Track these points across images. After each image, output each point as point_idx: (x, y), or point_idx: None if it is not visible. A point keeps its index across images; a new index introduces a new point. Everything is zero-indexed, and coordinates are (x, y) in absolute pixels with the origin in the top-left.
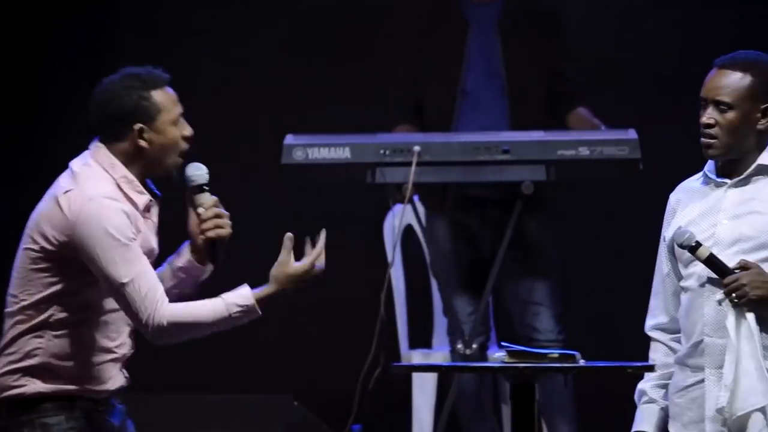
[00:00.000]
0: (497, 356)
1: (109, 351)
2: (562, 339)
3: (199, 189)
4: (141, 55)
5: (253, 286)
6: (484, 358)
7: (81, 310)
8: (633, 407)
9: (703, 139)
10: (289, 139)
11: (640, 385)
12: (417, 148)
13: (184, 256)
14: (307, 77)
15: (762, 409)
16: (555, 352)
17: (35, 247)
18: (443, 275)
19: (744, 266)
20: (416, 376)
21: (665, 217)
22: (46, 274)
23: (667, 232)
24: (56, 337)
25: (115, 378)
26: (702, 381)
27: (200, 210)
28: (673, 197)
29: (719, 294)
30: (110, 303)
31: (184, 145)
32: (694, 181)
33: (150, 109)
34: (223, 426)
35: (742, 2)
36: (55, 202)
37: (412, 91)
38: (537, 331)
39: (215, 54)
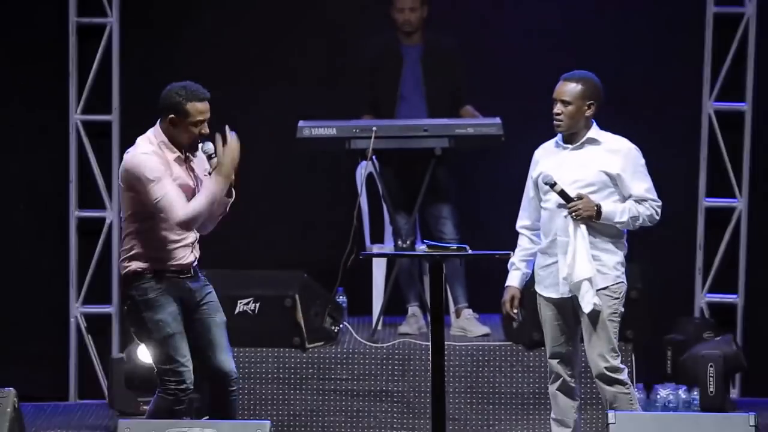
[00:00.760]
0: (421, 248)
1: (177, 240)
2: (458, 238)
3: (209, 157)
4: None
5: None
6: (414, 250)
7: (152, 218)
8: (497, 279)
9: (554, 122)
10: (301, 123)
11: (511, 260)
12: (375, 128)
13: None
14: (309, 86)
15: (588, 279)
16: (454, 246)
17: (122, 189)
18: (389, 201)
19: (580, 197)
20: (375, 259)
21: (531, 164)
22: (131, 201)
23: (533, 172)
24: (141, 235)
25: (186, 257)
26: (556, 262)
27: (212, 168)
28: (537, 153)
29: (565, 211)
30: None
31: (195, 139)
32: (549, 145)
33: (181, 111)
34: (262, 289)
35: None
36: (123, 162)
37: (371, 95)
38: (444, 234)
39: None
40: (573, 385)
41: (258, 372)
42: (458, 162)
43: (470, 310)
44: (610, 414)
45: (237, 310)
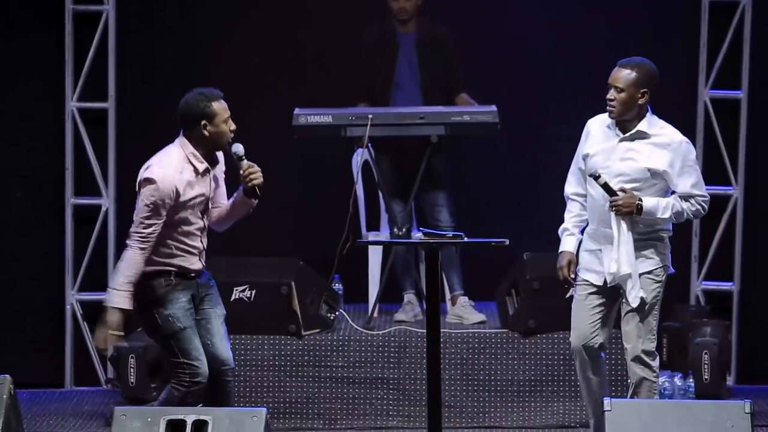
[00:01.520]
0: (417, 236)
1: (189, 251)
2: (454, 226)
3: (239, 158)
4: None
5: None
6: (409, 237)
7: (165, 228)
8: (493, 266)
9: (608, 107)
10: (297, 110)
11: (563, 225)
12: (370, 116)
13: (239, 195)
14: (309, 75)
15: (629, 274)
16: (449, 233)
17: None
18: (385, 189)
19: (623, 190)
20: (371, 247)
21: (583, 133)
22: None
23: (584, 144)
24: (160, 242)
25: (194, 263)
26: (600, 249)
27: (242, 170)
28: (590, 124)
29: (608, 203)
30: (182, 223)
31: (230, 135)
32: (602, 121)
33: (210, 113)
34: (258, 276)
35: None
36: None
37: (367, 83)
38: (439, 221)
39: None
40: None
41: (254, 359)
42: (454, 150)
43: (466, 298)
44: (606, 401)
45: (233, 298)
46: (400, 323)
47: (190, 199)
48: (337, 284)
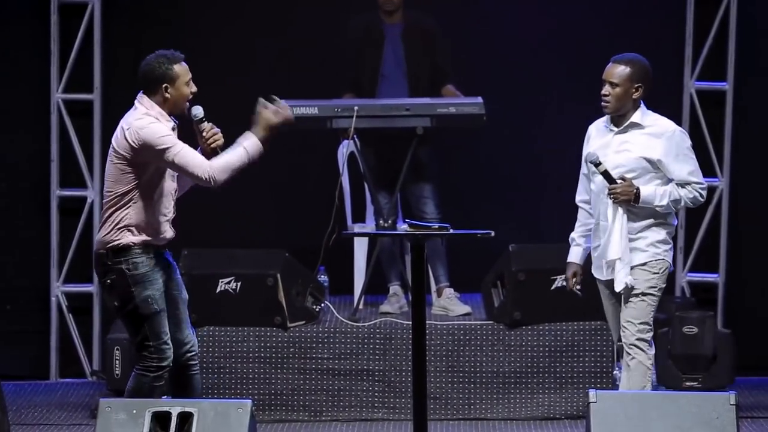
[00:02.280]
0: (403, 227)
1: (165, 215)
2: (440, 218)
3: (200, 121)
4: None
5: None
6: (395, 229)
7: (147, 191)
8: (478, 258)
9: (602, 103)
10: (283, 102)
11: (571, 235)
12: (356, 108)
13: None
14: (295, 66)
15: (618, 259)
16: (435, 225)
17: (118, 161)
18: (371, 181)
19: (622, 178)
20: (357, 239)
21: (585, 139)
22: (129, 175)
23: (586, 149)
24: (135, 208)
25: (168, 231)
26: (599, 245)
27: (203, 132)
28: (590, 129)
29: (606, 195)
30: (163, 185)
31: (190, 97)
32: (601, 123)
33: (172, 75)
34: (244, 268)
35: None
36: (122, 136)
37: (353, 73)
38: (425, 213)
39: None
40: None
41: (239, 351)
42: (440, 141)
43: (451, 290)
44: (591, 393)
45: (218, 289)
46: (386, 315)
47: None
48: (322, 276)
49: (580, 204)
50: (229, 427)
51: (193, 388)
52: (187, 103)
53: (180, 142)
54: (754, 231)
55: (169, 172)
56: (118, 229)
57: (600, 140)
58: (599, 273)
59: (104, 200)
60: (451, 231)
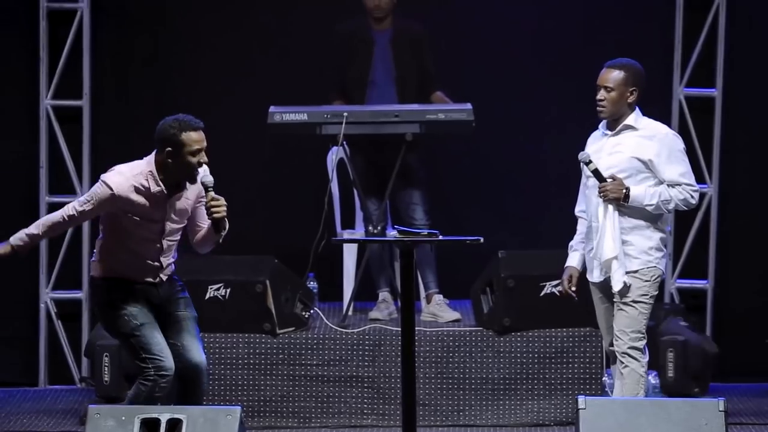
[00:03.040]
0: (392, 234)
1: (143, 261)
2: (429, 224)
3: (206, 189)
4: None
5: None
6: (384, 235)
7: (118, 234)
8: (468, 264)
9: (597, 107)
10: (272, 108)
11: (570, 243)
12: (346, 114)
13: (209, 225)
14: (284, 72)
15: (615, 257)
16: (424, 231)
17: None
18: (360, 187)
19: (612, 177)
20: (346, 245)
21: (585, 149)
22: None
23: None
24: (108, 248)
25: (147, 274)
26: (593, 248)
27: (206, 202)
28: (589, 139)
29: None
30: (137, 232)
31: (197, 168)
32: (597, 131)
33: (176, 142)
34: (233, 274)
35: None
36: None
37: (341, 76)
38: (414, 219)
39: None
40: None
41: (228, 357)
42: (429, 148)
43: (441, 296)
44: (581, 399)
45: (207, 296)
46: (375, 321)
47: (142, 219)
48: (312, 282)
49: (578, 214)
50: None
51: (197, 402)
52: (199, 170)
53: (87, 209)
54: (742, 237)
55: (144, 228)
56: (96, 260)
57: (595, 145)
58: (591, 275)
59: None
60: (441, 237)
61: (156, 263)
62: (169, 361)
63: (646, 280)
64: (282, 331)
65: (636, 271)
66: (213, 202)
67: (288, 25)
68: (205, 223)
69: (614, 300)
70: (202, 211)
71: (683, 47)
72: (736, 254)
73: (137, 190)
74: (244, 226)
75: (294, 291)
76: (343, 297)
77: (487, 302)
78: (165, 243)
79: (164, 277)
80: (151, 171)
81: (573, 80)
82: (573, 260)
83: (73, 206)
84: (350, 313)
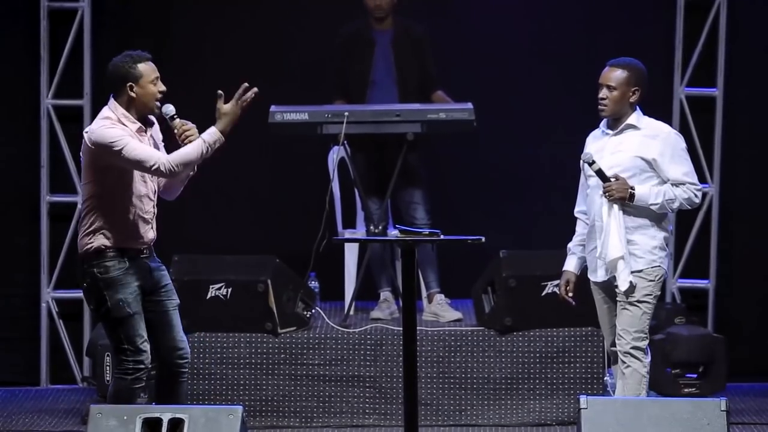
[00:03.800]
0: (393, 233)
1: (141, 216)
2: (430, 223)
3: (171, 117)
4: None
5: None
6: (386, 235)
7: (117, 193)
8: (469, 264)
9: (599, 106)
10: (273, 107)
11: (569, 245)
12: (347, 114)
13: None
14: (285, 72)
15: (621, 257)
16: (425, 231)
17: (84, 166)
18: (362, 186)
19: (615, 177)
20: (347, 245)
21: (584, 148)
22: (96, 178)
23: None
24: (106, 211)
25: (147, 233)
26: (596, 247)
27: (175, 129)
28: (588, 137)
29: (602, 195)
30: (135, 186)
31: (159, 96)
32: (598, 130)
33: (135, 74)
34: (234, 274)
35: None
36: (84, 140)
37: (343, 80)
38: (416, 219)
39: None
40: None
41: (230, 357)
42: (431, 147)
43: (442, 296)
44: (582, 399)
45: (209, 295)
46: (377, 321)
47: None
48: (313, 282)
49: (578, 215)
50: None
51: (178, 395)
52: (158, 102)
53: (132, 140)
54: (744, 237)
55: (140, 174)
56: (91, 232)
57: (596, 144)
58: (594, 275)
59: (80, 205)
60: (442, 237)
61: (153, 211)
62: (147, 355)
63: (651, 280)
64: (283, 330)
65: (641, 271)
66: (183, 128)
67: (289, 25)
68: None
69: (617, 299)
70: (163, 152)
71: (684, 47)
72: (738, 254)
73: (123, 129)
74: (246, 225)
75: (295, 290)
76: (344, 296)
77: (489, 302)
78: (153, 185)
79: (153, 237)
80: (123, 113)
81: (576, 81)
82: (570, 264)
83: (137, 153)
84: (352, 312)
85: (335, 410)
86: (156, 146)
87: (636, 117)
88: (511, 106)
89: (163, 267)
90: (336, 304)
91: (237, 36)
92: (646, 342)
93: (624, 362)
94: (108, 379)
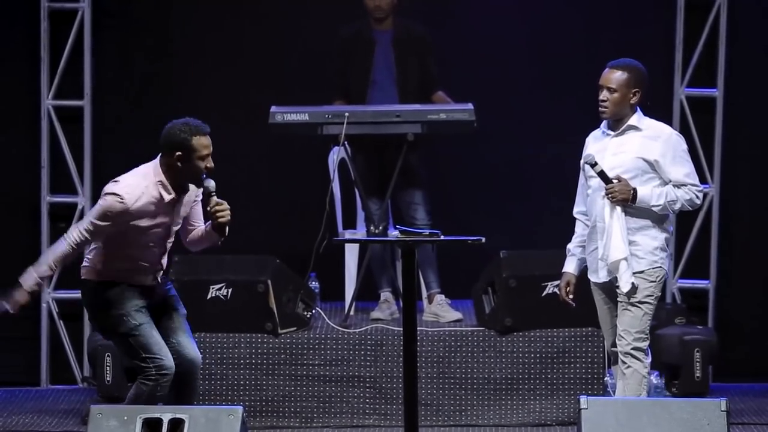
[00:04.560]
0: (394, 234)
1: (143, 264)
2: (430, 224)
3: (209, 194)
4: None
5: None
6: (386, 235)
7: (117, 242)
8: (469, 264)
9: (600, 108)
10: (274, 108)
11: (568, 246)
12: (347, 114)
13: (209, 227)
14: (285, 72)
15: (624, 259)
16: (426, 231)
17: None
18: (362, 187)
19: (618, 178)
20: (348, 245)
21: (584, 147)
22: None
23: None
24: (100, 255)
25: (145, 280)
26: (597, 248)
27: (209, 207)
28: (588, 138)
29: (604, 195)
30: (140, 239)
31: (204, 172)
32: (598, 131)
33: (187, 147)
34: (235, 274)
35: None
36: None
37: (344, 80)
38: (416, 219)
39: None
40: None
41: (230, 357)
42: (431, 148)
43: (443, 296)
44: (582, 399)
45: (209, 296)
46: (377, 321)
47: (149, 227)
48: (313, 282)
49: (577, 216)
50: None
51: (189, 402)
52: (204, 175)
53: (100, 228)
54: (744, 237)
55: (151, 235)
56: (88, 266)
57: (597, 145)
58: (595, 276)
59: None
60: (442, 237)
61: (157, 266)
62: (169, 360)
63: (652, 281)
64: (284, 330)
65: (642, 272)
66: (218, 207)
67: (289, 25)
68: (198, 222)
69: (619, 300)
70: (198, 210)
71: (684, 47)
72: (738, 254)
73: (150, 202)
74: (246, 226)
75: (296, 291)
76: (344, 297)
77: (489, 302)
78: (167, 245)
79: (162, 279)
80: (160, 180)
81: (576, 82)
82: (570, 266)
83: (79, 230)
84: (352, 313)
85: (335, 410)
86: (179, 215)
87: (637, 118)
88: (511, 106)
89: (173, 289)
90: (336, 305)
91: (237, 36)
92: (647, 343)
93: (624, 363)
94: (108, 379)
